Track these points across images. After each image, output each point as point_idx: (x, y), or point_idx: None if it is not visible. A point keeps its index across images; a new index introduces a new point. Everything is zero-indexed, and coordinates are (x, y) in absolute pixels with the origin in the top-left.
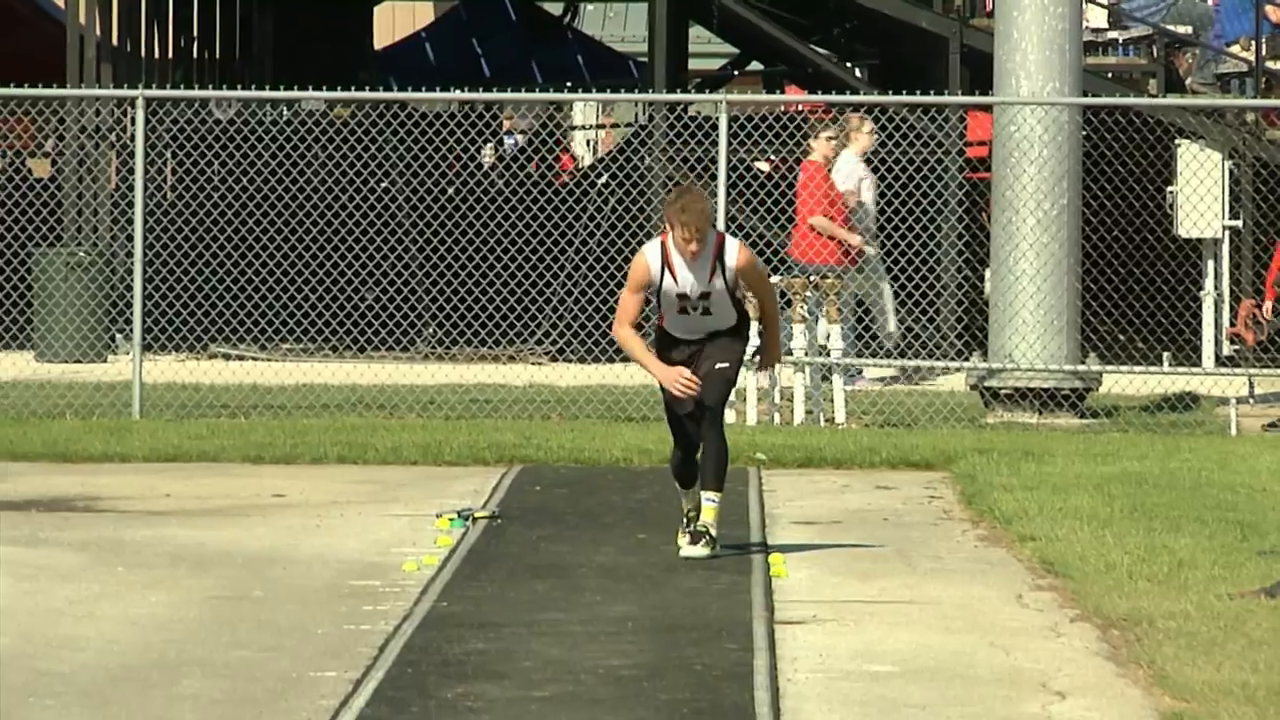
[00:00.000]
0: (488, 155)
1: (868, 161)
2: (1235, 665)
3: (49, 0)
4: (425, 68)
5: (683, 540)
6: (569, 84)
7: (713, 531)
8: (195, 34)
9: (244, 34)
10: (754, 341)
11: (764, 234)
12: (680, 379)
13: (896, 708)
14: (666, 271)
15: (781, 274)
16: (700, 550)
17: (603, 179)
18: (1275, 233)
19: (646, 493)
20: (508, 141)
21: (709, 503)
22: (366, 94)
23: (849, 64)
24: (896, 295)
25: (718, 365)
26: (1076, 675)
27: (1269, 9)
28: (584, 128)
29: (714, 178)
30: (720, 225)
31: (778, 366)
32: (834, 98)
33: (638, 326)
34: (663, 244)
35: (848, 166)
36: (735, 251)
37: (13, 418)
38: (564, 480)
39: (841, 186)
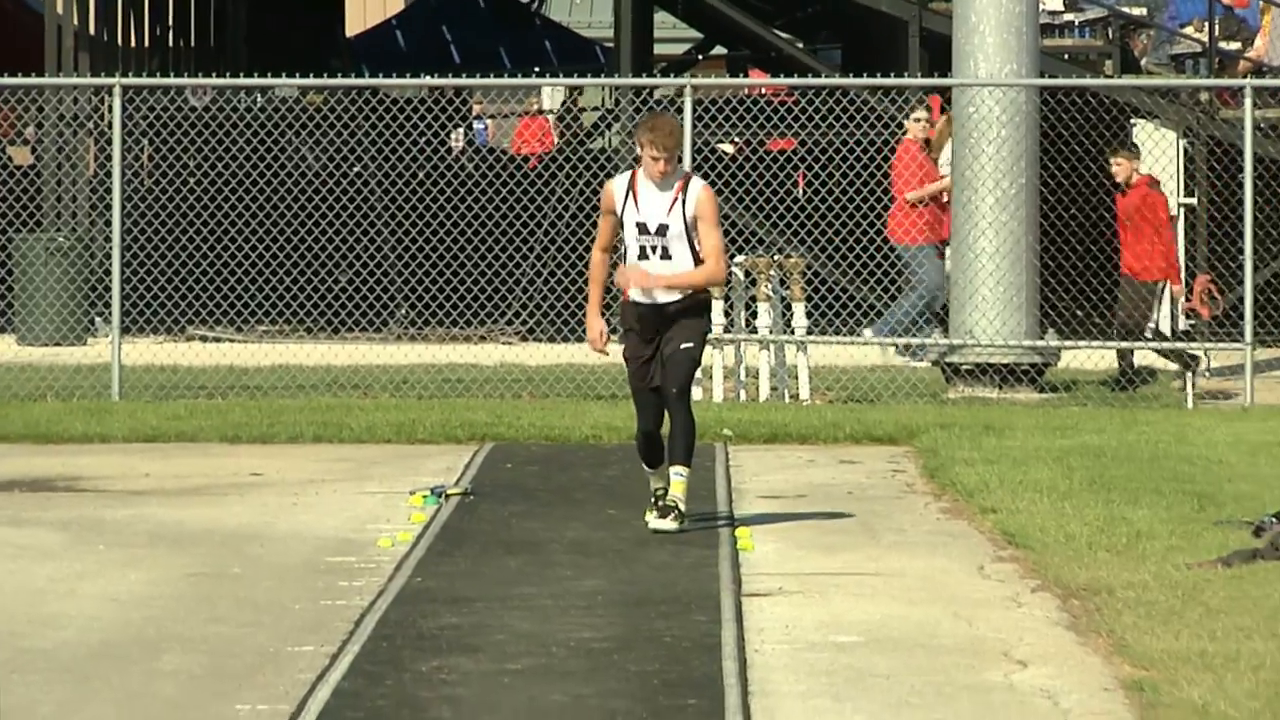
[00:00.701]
0: (458, 140)
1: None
2: (1193, 634)
3: None
4: (396, 54)
5: (651, 515)
6: (537, 69)
7: (681, 506)
8: (171, 23)
9: (218, 22)
10: (718, 321)
11: (728, 214)
12: (595, 340)
13: (862, 677)
14: (630, 198)
15: (746, 254)
16: (669, 524)
17: (570, 162)
18: (1230, 210)
19: (616, 469)
20: (477, 126)
21: (677, 477)
22: (339, 80)
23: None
24: (860, 272)
25: (681, 345)
26: (1037, 644)
27: None
28: (552, 111)
29: (680, 160)
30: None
31: (744, 346)
32: (797, 81)
33: (613, 250)
34: (632, 174)
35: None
36: (699, 188)
37: None
38: (535, 457)
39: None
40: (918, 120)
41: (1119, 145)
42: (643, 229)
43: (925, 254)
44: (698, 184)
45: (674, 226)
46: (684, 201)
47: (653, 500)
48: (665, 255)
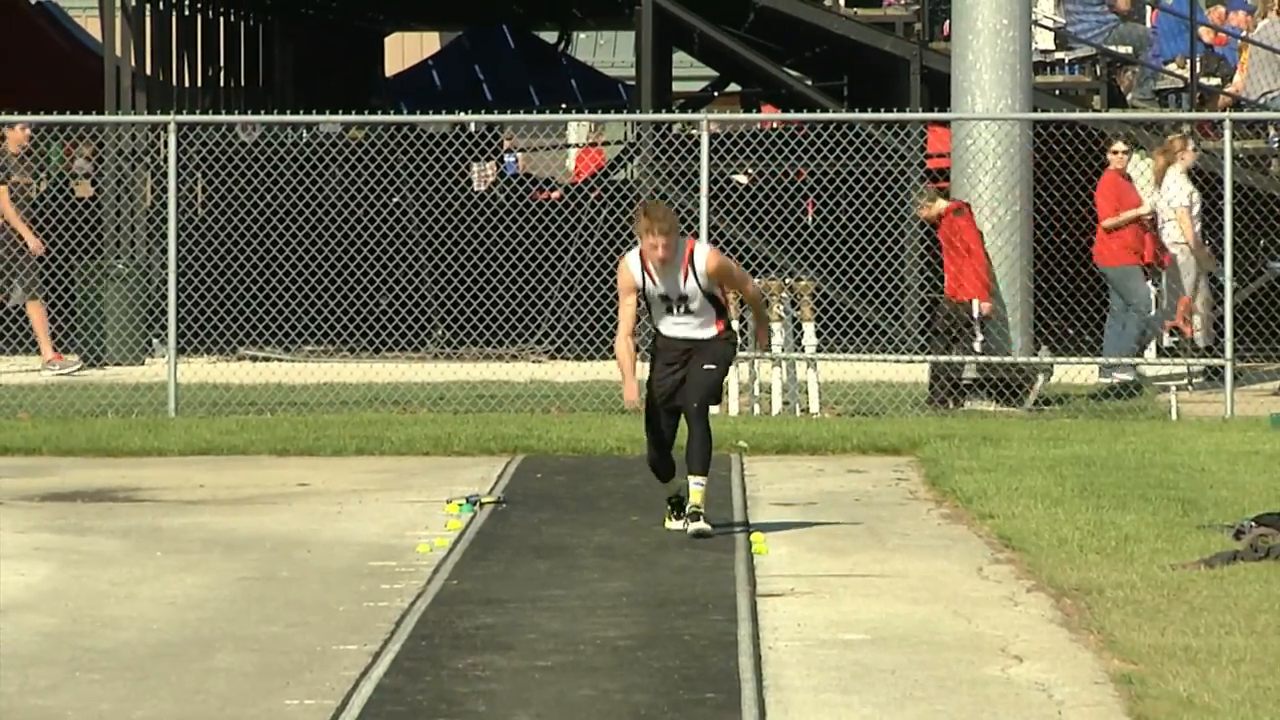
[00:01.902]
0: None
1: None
2: (1178, 630)
3: (87, 35)
4: (432, 92)
5: (673, 521)
6: (564, 105)
7: (702, 510)
8: (221, 64)
9: (266, 63)
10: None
11: (743, 240)
12: (632, 400)
13: (869, 672)
14: (647, 276)
15: (759, 277)
16: (704, 525)
17: (595, 192)
18: (1210, 235)
19: (639, 479)
20: (507, 159)
21: (696, 486)
22: (379, 117)
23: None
24: (864, 295)
25: (705, 366)
26: (1033, 640)
27: (1202, 30)
28: (578, 145)
29: (696, 190)
30: (703, 233)
31: (757, 363)
32: (806, 116)
33: (636, 329)
34: (641, 252)
35: (1177, 185)
36: (704, 256)
37: (59, 416)
38: (563, 468)
39: (1174, 203)
40: (1115, 152)
41: (919, 194)
42: (666, 300)
43: (1130, 274)
44: (701, 252)
45: (692, 294)
46: (695, 273)
47: (668, 509)
48: (688, 311)
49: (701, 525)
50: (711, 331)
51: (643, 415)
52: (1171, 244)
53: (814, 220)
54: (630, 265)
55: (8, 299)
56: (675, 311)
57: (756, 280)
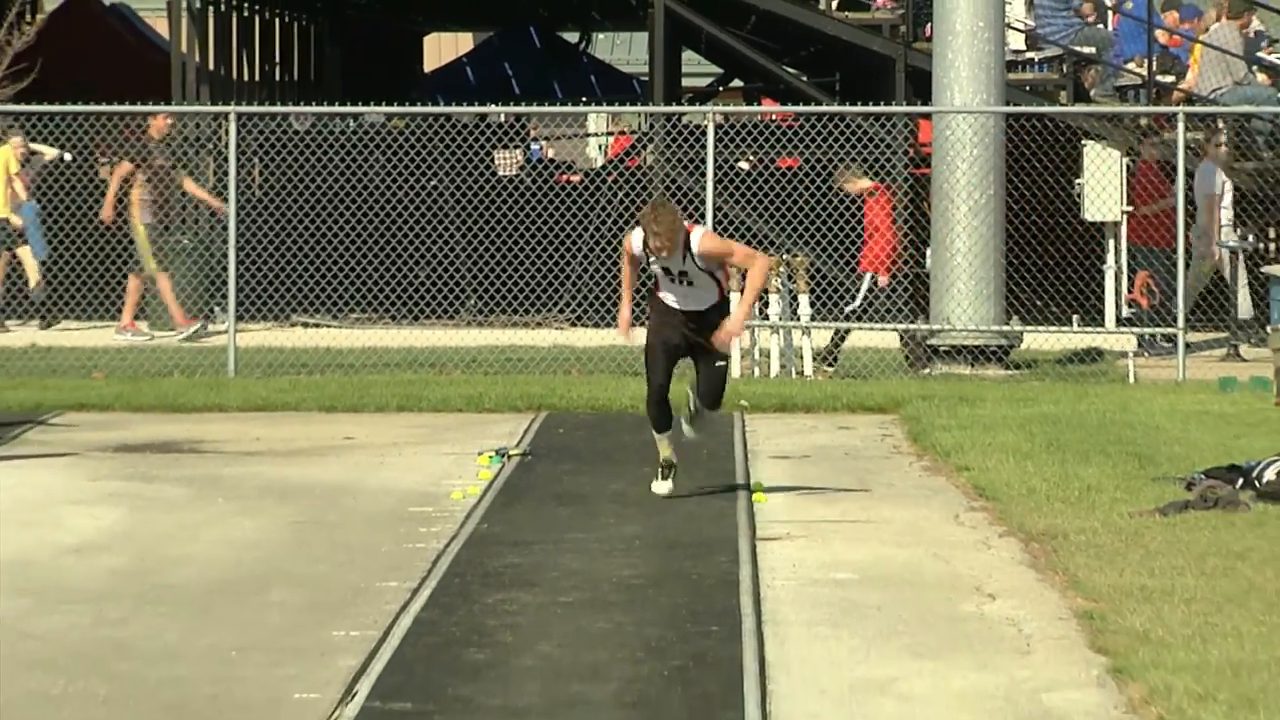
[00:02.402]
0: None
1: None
2: (1135, 571)
3: (155, 33)
4: (465, 87)
5: (662, 486)
6: (584, 98)
7: (696, 418)
8: (277, 60)
9: (317, 60)
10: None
11: (744, 220)
12: (621, 323)
13: (857, 608)
14: (647, 253)
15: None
16: (689, 428)
17: (611, 176)
18: (1165, 217)
19: (651, 434)
20: (533, 147)
21: (699, 405)
22: (417, 109)
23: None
24: (853, 269)
25: (717, 364)
26: (1004, 580)
27: (1159, 33)
28: (596, 134)
29: (703, 174)
30: (708, 214)
31: (757, 330)
32: (802, 109)
33: (637, 287)
34: (642, 232)
35: (1211, 174)
36: (698, 239)
37: (130, 376)
38: (582, 424)
39: (1208, 191)
40: (1153, 145)
41: (845, 167)
42: (666, 272)
43: (1155, 256)
44: (696, 235)
45: (690, 270)
46: (691, 255)
47: (659, 470)
48: (688, 282)
49: (688, 428)
50: (711, 301)
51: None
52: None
53: (808, 201)
54: (634, 242)
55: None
56: (677, 281)
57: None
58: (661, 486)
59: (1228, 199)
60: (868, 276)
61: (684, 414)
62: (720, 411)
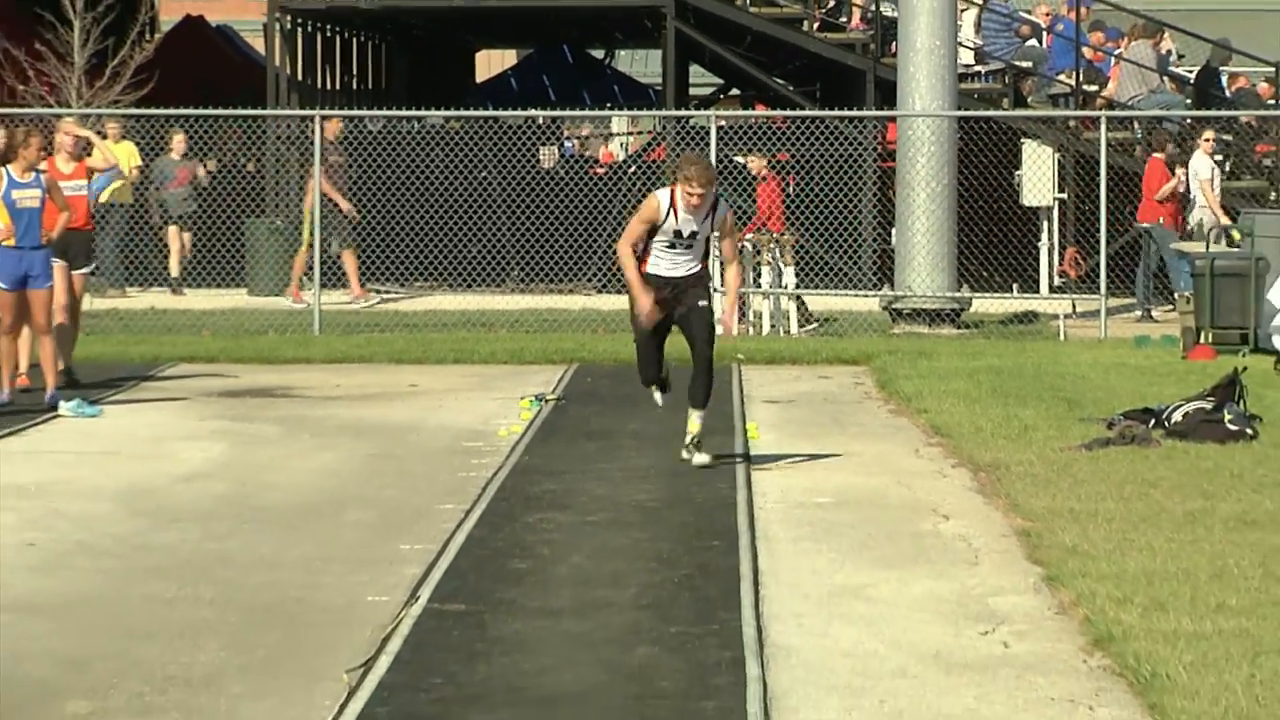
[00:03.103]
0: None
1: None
2: (1065, 496)
3: (253, 49)
4: (510, 95)
5: (657, 393)
6: (609, 104)
7: (701, 438)
8: (353, 72)
9: (387, 72)
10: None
11: (741, 205)
12: (646, 310)
13: (835, 526)
14: (671, 211)
15: (755, 233)
16: (706, 457)
17: (632, 169)
18: (1090, 202)
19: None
20: (566, 145)
21: (697, 420)
22: (471, 113)
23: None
24: (831, 245)
25: (699, 303)
26: (956, 504)
27: (1085, 50)
28: (619, 134)
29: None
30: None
31: (751, 297)
32: (789, 113)
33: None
34: (671, 192)
35: (1201, 163)
36: (724, 211)
37: (232, 334)
38: (607, 374)
39: (1204, 176)
40: (1164, 147)
41: (750, 149)
42: (678, 235)
43: (1162, 234)
44: (723, 207)
45: (702, 234)
46: (713, 219)
47: (688, 440)
48: (687, 248)
49: (704, 458)
50: (695, 269)
51: (650, 323)
52: (1199, 207)
53: (794, 190)
54: (660, 199)
55: (329, 248)
56: (678, 246)
57: (750, 235)
58: (662, 398)
59: (1217, 182)
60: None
61: (687, 449)
62: (719, 363)
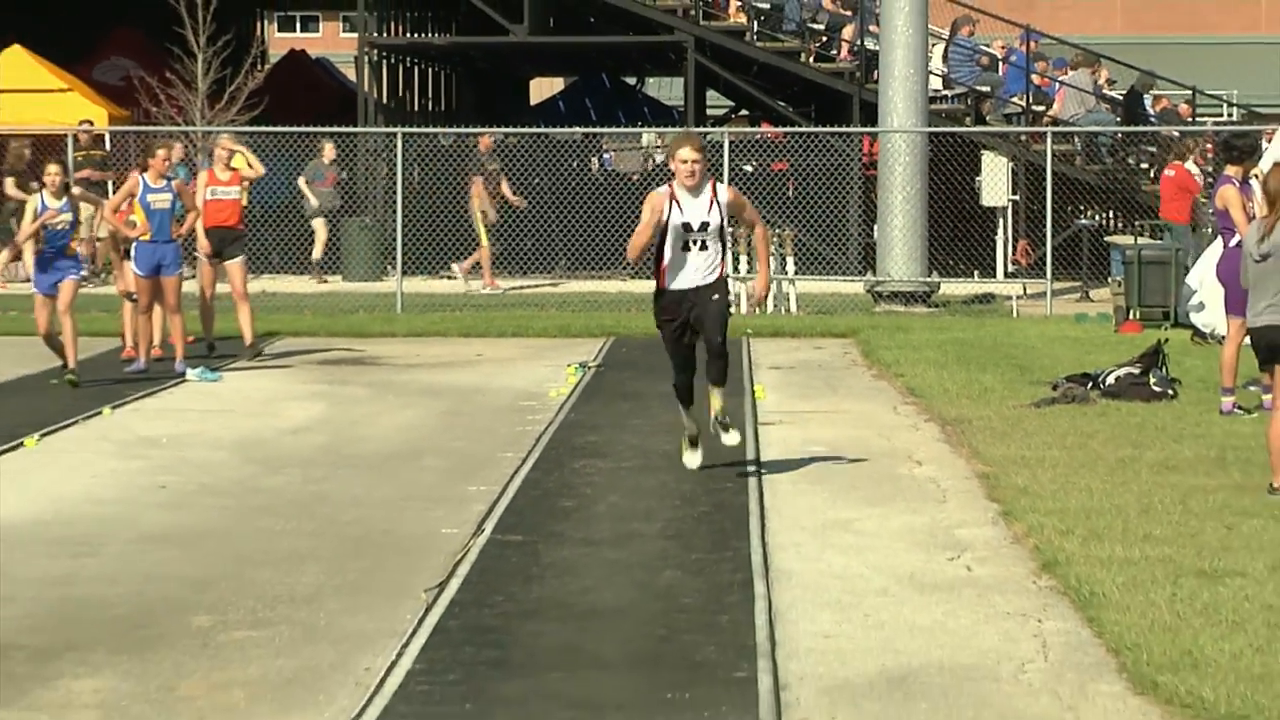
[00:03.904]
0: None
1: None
2: (1018, 446)
3: (346, 77)
4: (558, 115)
5: (692, 458)
6: (639, 123)
7: (727, 416)
8: (429, 96)
9: (457, 96)
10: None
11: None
12: (632, 253)
13: (827, 470)
14: (674, 205)
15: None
16: (735, 435)
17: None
18: (1038, 203)
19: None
20: (605, 157)
21: (718, 396)
22: (526, 130)
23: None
24: (824, 239)
25: (714, 296)
26: (928, 452)
27: (1035, 77)
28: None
29: (720, 176)
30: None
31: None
32: (788, 129)
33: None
34: (669, 188)
35: (1194, 170)
36: (725, 189)
37: (328, 312)
38: (640, 346)
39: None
40: (1183, 157)
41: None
42: (688, 228)
43: (1181, 231)
44: (723, 186)
45: (713, 223)
46: (718, 201)
47: (686, 443)
48: (704, 247)
49: (734, 437)
50: (716, 274)
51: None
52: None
53: (793, 194)
54: (659, 193)
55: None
56: (692, 246)
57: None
58: (693, 458)
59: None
60: None
61: (715, 429)
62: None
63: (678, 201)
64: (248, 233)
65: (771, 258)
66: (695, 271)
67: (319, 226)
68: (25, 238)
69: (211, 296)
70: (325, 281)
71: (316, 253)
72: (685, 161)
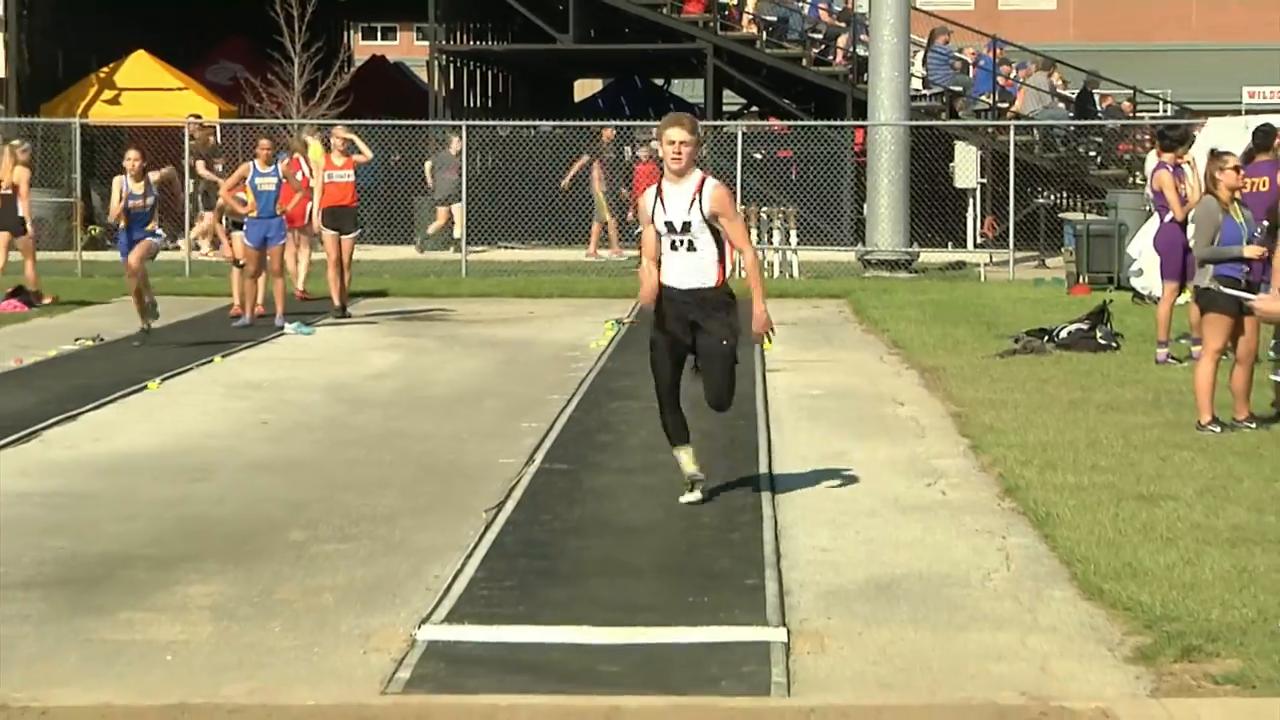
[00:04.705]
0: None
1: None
2: (985, 390)
3: (419, 78)
4: (598, 110)
5: (691, 496)
6: None
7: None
8: (489, 94)
9: (513, 94)
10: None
11: (759, 187)
12: (648, 297)
13: (824, 411)
14: (659, 203)
15: (768, 206)
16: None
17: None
18: (1001, 185)
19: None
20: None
21: (688, 459)
22: (571, 123)
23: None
24: (821, 214)
25: (723, 341)
26: (909, 395)
27: (1000, 79)
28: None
29: (734, 161)
30: (738, 187)
31: (765, 251)
32: (792, 122)
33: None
34: (658, 186)
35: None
36: (712, 186)
37: (404, 276)
38: None
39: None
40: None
41: (646, 143)
42: (670, 227)
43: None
44: (711, 183)
45: (695, 222)
46: (700, 200)
47: (686, 484)
48: (691, 248)
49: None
50: (712, 279)
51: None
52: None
53: (795, 177)
54: (646, 196)
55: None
56: (678, 247)
57: (766, 208)
58: (691, 496)
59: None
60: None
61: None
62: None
63: (662, 198)
64: (360, 209)
65: (776, 232)
66: (683, 273)
67: (440, 213)
68: (114, 217)
69: (337, 267)
70: (424, 253)
71: (432, 229)
72: (672, 143)
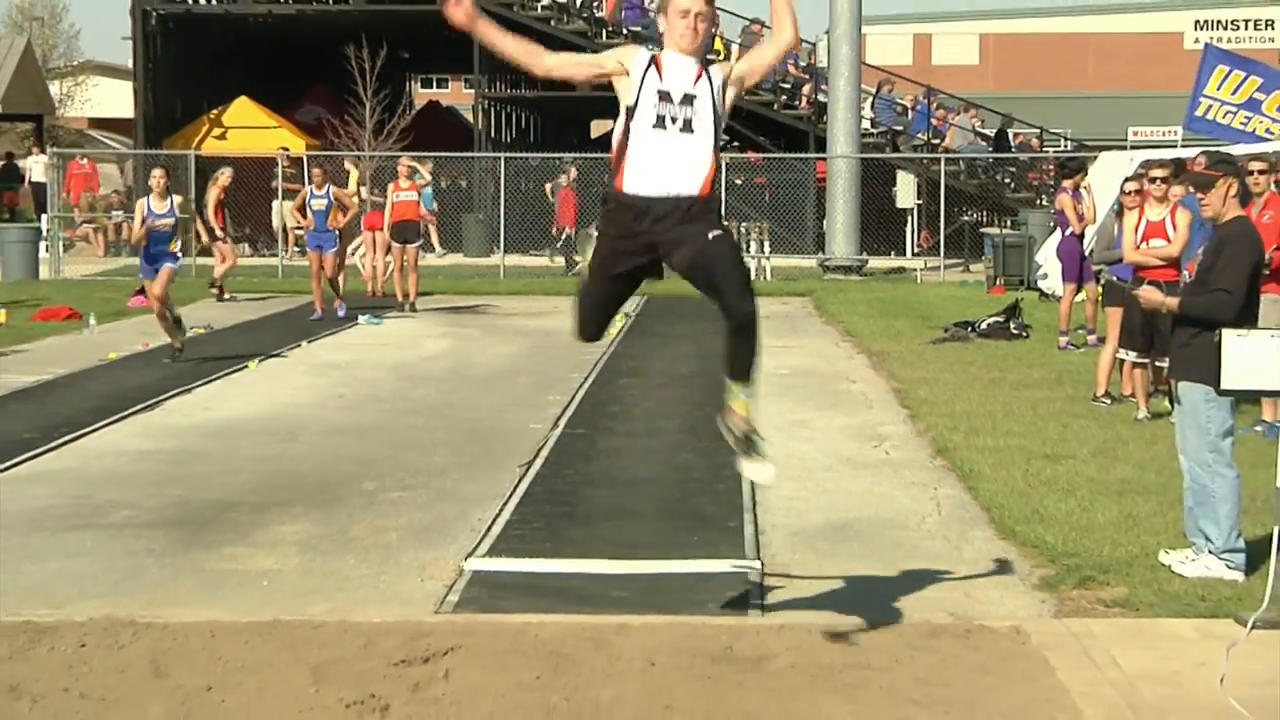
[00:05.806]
0: None
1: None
2: (921, 370)
3: (465, 119)
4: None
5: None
6: None
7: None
8: (522, 131)
9: (540, 131)
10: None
11: (737, 205)
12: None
13: (790, 388)
14: (653, 67)
15: (745, 222)
16: (765, 471)
17: None
18: (934, 206)
19: (705, 308)
20: None
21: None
22: (588, 154)
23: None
24: (789, 229)
25: (711, 234)
26: (859, 375)
27: (933, 120)
28: None
29: (719, 186)
30: (721, 209)
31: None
32: (764, 155)
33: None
34: (654, 54)
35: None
36: (719, 67)
37: (451, 278)
38: (665, 302)
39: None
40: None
41: (567, 165)
42: (665, 97)
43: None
44: (717, 65)
45: (701, 96)
46: (710, 77)
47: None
48: (687, 128)
49: (765, 471)
50: (699, 182)
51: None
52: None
53: (769, 199)
54: (636, 53)
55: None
56: (670, 125)
57: (744, 224)
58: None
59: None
60: (567, 230)
61: (737, 447)
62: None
63: (659, 65)
64: (422, 225)
65: (753, 243)
66: (672, 167)
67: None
68: (137, 239)
69: (400, 272)
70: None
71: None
72: (686, 14)
